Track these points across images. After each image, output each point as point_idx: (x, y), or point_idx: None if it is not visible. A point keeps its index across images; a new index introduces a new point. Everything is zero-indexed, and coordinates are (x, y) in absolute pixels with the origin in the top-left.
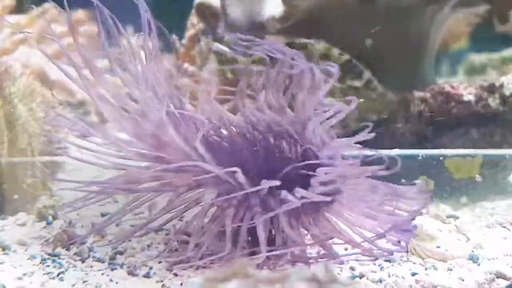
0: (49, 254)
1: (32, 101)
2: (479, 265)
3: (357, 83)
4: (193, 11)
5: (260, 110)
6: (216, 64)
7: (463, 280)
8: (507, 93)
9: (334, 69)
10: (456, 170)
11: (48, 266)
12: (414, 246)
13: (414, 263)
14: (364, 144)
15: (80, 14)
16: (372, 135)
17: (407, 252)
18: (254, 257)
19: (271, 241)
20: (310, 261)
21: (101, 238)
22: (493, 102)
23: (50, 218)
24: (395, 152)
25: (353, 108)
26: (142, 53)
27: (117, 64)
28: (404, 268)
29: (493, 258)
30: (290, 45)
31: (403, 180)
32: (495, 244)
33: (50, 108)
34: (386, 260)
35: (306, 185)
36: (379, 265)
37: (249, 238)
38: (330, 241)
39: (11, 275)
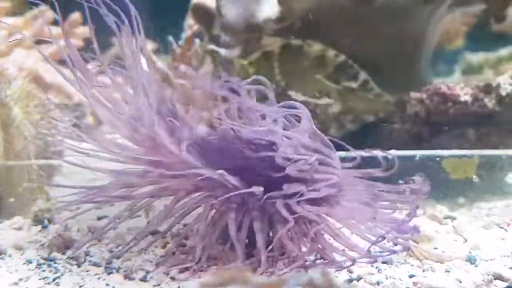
0: (45, 259)
1: (28, 103)
2: (476, 266)
3: (353, 84)
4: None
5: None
6: (211, 65)
7: (460, 282)
8: (503, 93)
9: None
10: (453, 170)
11: (44, 271)
12: (411, 247)
13: (412, 265)
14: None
15: (76, 15)
16: None
17: (408, 250)
18: (252, 260)
19: (268, 244)
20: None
21: (97, 241)
22: (490, 102)
23: (46, 222)
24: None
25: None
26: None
27: (110, 67)
28: (401, 270)
29: (491, 259)
30: (286, 46)
31: (400, 181)
32: (492, 245)
33: (46, 111)
34: (383, 262)
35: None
36: (376, 268)
37: (247, 241)
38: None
39: (7, 280)
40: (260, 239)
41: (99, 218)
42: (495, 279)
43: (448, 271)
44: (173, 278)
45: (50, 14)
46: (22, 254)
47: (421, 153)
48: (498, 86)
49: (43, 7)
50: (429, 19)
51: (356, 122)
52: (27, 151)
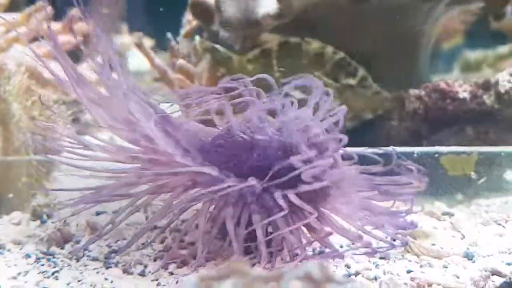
0: (43, 253)
1: (27, 99)
2: (474, 262)
3: (352, 81)
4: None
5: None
6: (209, 61)
7: (458, 278)
8: (502, 90)
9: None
10: (452, 167)
11: (43, 265)
12: (409, 243)
13: (410, 260)
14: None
15: (73, 12)
16: None
17: (407, 244)
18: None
19: (269, 240)
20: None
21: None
22: (488, 99)
23: (45, 217)
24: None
25: None
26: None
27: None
28: (399, 266)
29: (488, 255)
30: (284, 43)
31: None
32: (490, 241)
33: (44, 107)
34: (381, 258)
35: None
36: (374, 263)
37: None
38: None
39: (6, 274)
40: (259, 233)
41: (97, 213)
42: (492, 275)
43: (446, 267)
44: (171, 273)
45: (49, 9)
46: (21, 249)
47: (419, 150)
48: (497, 83)
49: (41, 3)
50: (428, 17)
51: (355, 120)
52: (26, 147)
